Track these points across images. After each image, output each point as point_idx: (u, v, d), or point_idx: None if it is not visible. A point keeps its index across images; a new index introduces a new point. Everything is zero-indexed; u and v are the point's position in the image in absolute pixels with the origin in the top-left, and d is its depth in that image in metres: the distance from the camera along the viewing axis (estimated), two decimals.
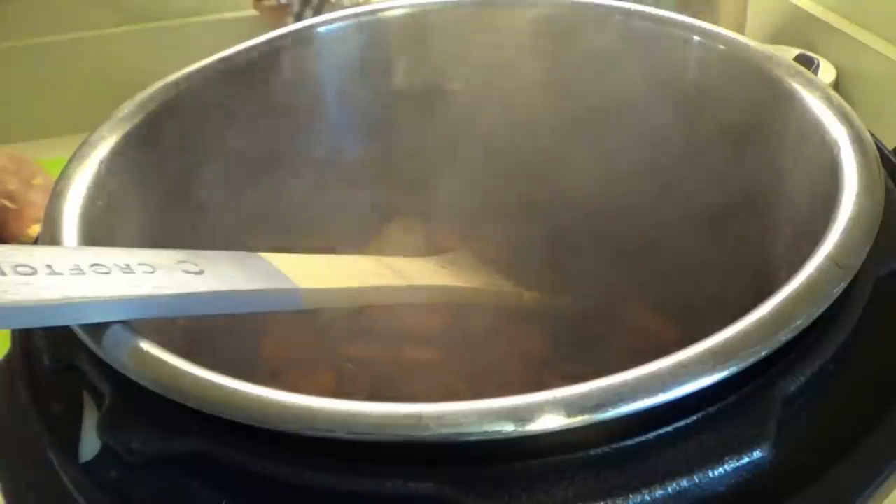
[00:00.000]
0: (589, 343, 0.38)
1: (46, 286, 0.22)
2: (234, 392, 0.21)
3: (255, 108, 0.38)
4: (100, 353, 0.23)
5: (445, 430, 0.19)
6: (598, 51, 0.40)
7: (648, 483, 0.20)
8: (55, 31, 0.76)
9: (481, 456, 0.21)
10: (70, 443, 0.23)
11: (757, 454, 0.21)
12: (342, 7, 0.65)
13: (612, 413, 0.19)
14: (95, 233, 0.28)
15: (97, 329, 0.23)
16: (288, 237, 0.40)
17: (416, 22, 0.41)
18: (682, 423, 0.21)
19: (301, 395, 0.21)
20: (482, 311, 0.38)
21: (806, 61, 0.34)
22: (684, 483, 0.20)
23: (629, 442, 0.21)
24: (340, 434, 0.20)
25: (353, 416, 0.20)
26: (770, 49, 0.34)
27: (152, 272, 0.25)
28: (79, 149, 0.31)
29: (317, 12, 0.73)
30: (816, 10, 0.66)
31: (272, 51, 0.38)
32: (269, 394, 0.21)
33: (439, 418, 0.19)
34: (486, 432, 0.19)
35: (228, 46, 0.38)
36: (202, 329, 0.36)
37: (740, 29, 0.69)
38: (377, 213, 0.43)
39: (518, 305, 0.39)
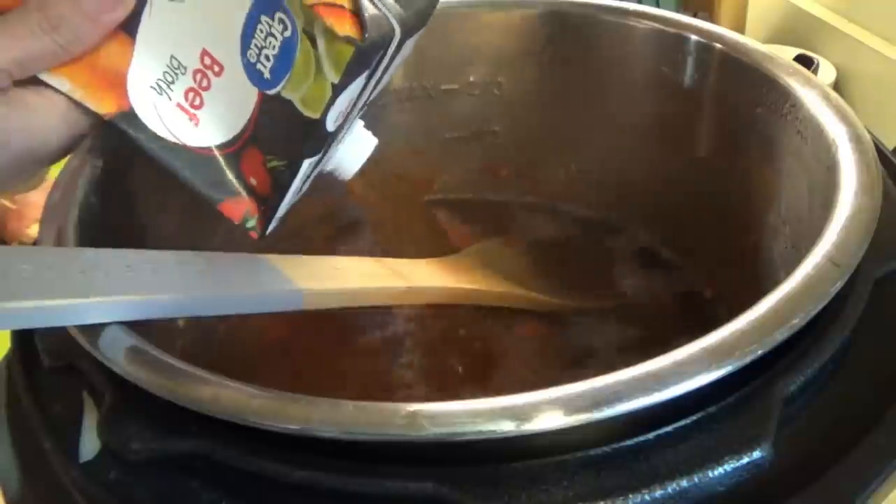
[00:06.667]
0: (589, 342, 0.38)
1: (46, 286, 0.22)
2: (232, 392, 0.21)
3: None
4: (96, 354, 0.23)
5: (440, 430, 0.19)
6: (598, 50, 0.40)
7: (648, 483, 0.20)
8: None
9: (481, 456, 0.21)
10: (70, 443, 0.23)
11: (757, 454, 0.20)
12: None
13: (609, 412, 0.19)
14: (95, 233, 0.28)
15: (94, 330, 0.23)
16: (288, 238, 0.40)
17: None
18: (681, 423, 0.21)
19: (297, 395, 0.21)
20: (483, 312, 0.38)
21: (806, 61, 0.34)
22: (684, 483, 0.20)
23: (629, 442, 0.21)
24: (335, 433, 0.20)
25: (349, 416, 0.20)
26: (769, 49, 0.34)
27: (152, 272, 0.25)
28: (79, 148, 0.31)
29: None
30: (816, 10, 0.66)
31: None
32: (265, 394, 0.21)
33: (433, 418, 0.19)
34: (479, 432, 0.19)
35: None
36: (202, 329, 0.36)
37: (740, 29, 0.69)
38: (377, 214, 0.43)
39: (519, 306, 0.39)
